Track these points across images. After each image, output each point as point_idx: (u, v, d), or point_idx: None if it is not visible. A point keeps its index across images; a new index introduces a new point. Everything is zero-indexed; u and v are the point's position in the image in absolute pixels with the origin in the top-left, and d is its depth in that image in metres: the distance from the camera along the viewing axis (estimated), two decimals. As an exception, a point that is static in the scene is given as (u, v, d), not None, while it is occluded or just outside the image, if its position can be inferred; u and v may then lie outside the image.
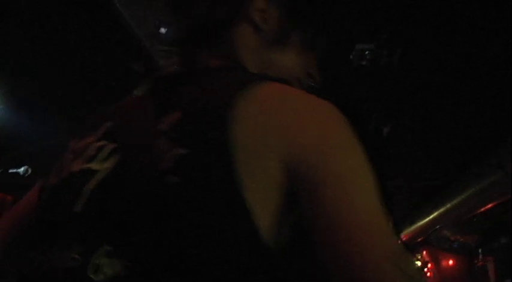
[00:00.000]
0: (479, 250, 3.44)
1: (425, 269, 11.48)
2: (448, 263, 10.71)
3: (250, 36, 0.71)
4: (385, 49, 3.54)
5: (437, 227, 4.27)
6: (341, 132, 0.56)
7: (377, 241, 0.48)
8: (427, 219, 7.69)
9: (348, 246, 0.47)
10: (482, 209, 6.23)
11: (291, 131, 0.54)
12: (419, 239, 9.75)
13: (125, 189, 0.59)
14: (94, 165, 0.63)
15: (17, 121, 5.81)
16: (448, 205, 6.73)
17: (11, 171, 3.12)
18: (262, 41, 0.72)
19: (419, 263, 11.24)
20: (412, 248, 10.33)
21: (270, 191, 0.53)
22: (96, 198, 0.61)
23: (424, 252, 11.53)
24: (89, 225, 0.60)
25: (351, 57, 3.69)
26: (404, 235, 9.38)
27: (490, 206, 6.08)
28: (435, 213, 7.31)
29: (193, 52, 0.71)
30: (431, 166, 6.58)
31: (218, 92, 0.59)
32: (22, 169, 3.04)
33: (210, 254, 0.51)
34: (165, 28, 1.28)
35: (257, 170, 0.52)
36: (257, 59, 0.72)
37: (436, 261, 11.19)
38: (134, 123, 0.67)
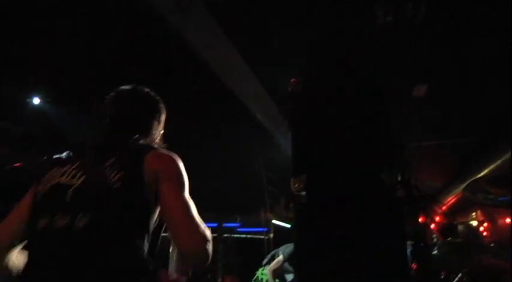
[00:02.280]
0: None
1: (481, 228, 11.09)
2: (504, 221, 10.35)
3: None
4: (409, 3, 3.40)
5: (473, 179, 4.12)
6: (176, 166, 1.49)
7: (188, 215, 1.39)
8: (478, 177, 7.44)
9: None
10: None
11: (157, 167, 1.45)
12: (472, 198, 9.44)
13: (89, 191, 1.37)
14: (72, 181, 1.40)
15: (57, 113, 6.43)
16: (498, 162, 6.47)
17: (54, 157, 3.48)
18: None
19: (475, 223, 10.91)
20: (465, 207, 10.05)
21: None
22: (75, 195, 1.36)
23: (479, 212, 11.18)
24: (74, 207, 1.32)
25: (376, 14, 3.57)
26: (456, 194, 9.10)
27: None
28: (485, 171, 7.03)
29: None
30: (476, 123, 6.31)
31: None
32: (64, 154, 3.43)
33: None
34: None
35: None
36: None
37: (491, 220, 10.84)
38: (91, 163, 1.47)
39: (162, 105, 1.75)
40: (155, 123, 1.69)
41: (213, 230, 7.74)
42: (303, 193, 1.57)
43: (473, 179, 4.17)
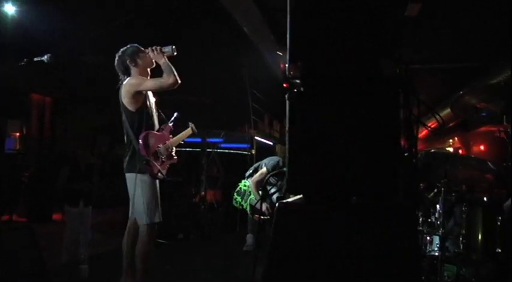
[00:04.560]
0: (504, 118, 3.30)
1: (457, 155, 11.36)
2: (479, 148, 10.71)
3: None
4: None
5: (460, 93, 4.08)
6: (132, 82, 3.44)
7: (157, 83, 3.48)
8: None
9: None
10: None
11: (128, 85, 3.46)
12: (451, 124, 9.65)
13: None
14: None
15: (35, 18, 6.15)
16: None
17: (35, 59, 3.46)
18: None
19: (451, 149, 11.25)
20: (443, 133, 10.28)
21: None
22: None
23: (456, 139, 11.48)
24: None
25: None
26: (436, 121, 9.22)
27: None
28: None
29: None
30: (466, 49, 6.24)
31: None
32: (45, 57, 3.44)
33: None
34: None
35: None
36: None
37: (467, 147, 11.19)
38: None
39: (130, 51, 3.42)
40: (129, 63, 3.40)
41: (196, 145, 7.84)
42: (298, 81, 1.53)
43: (460, 93, 4.15)
